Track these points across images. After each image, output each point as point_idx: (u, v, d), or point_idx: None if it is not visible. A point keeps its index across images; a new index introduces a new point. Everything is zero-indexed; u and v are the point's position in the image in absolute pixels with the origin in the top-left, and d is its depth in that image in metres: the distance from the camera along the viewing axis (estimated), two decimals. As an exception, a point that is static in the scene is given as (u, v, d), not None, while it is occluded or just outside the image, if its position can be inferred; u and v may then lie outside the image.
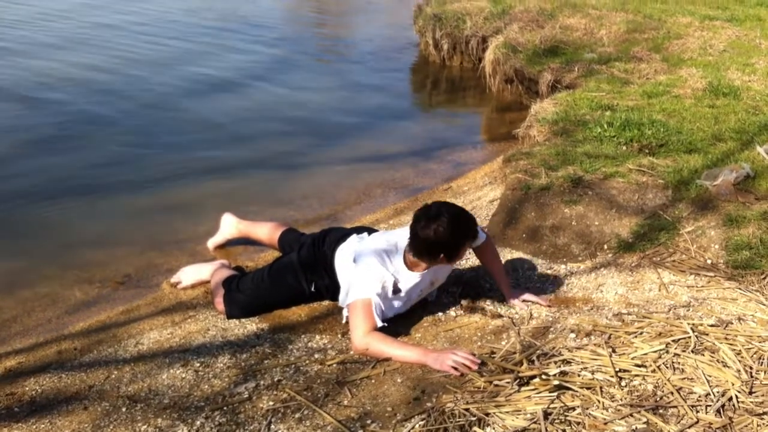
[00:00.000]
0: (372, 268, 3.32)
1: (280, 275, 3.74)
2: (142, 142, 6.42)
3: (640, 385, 2.75)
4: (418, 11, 10.71)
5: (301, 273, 3.68)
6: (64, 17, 11.60)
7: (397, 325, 3.46)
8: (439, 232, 3.16)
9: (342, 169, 6.03)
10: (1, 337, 3.71)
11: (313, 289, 3.67)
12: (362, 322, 3.25)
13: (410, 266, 3.37)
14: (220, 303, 3.74)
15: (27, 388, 3.15)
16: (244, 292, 3.72)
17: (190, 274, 4.13)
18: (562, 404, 2.64)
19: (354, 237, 3.67)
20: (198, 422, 2.81)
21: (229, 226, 4.50)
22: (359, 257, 3.41)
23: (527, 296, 3.62)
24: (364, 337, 3.22)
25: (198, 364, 3.24)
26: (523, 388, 2.75)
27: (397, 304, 3.43)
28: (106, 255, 4.51)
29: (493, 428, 2.55)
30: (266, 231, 4.29)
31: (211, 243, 4.53)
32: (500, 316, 3.49)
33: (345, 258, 3.56)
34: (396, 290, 3.36)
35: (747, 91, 6.44)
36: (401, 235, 3.41)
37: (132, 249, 4.60)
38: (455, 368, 2.97)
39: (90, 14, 11.85)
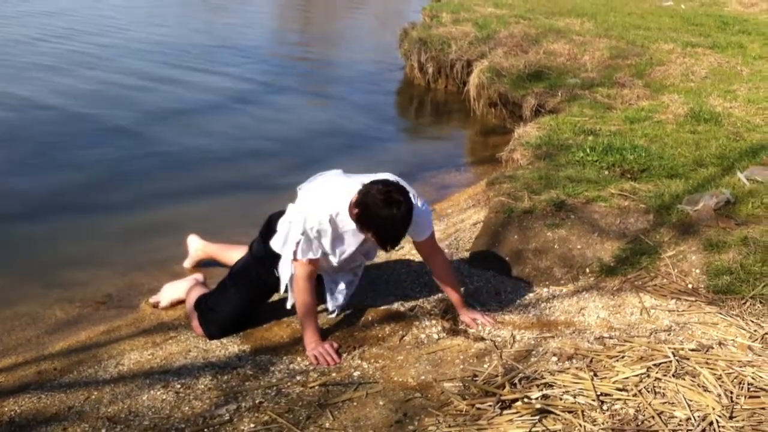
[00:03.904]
0: (312, 205, 3.35)
1: (243, 277, 3.75)
2: (124, 163, 6.41)
3: (621, 409, 2.75)
4: (403, 35, 10.82)
5: (259, 266, 3.68)
6: (55, 35, 11.63)
7: (381, 347, 3.46)
8: (380, 208, 3.17)
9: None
10: (-20, 357, 3.67)
11: (277, 274, 3.64)
12: (301, 261, 3.41)
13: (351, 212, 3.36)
14: (197, 327, 3.72)
15: (6, 409, 3.11)
16: (215, 309, 3.70)
17: (167, 294, 4.11)
18: (544, 428, 2.64)
19: (290, 205, 3.65)
20: (178, 444, 2.79)
21: (195, 249, 4.49)
22: (305, 195, 3.43)
23: (477, 315, 3.66)
24: (303, 281, 3.43)
25: (179, 386, 3.22)
26: (505, 412, 2.75)
27: (337, 248, 3.46)
28: (88, 275, 4.49)
29: (475, 452, 2.54)
30: (238, 256, 4.21)
31: (187, 265, 4.53)
32: (483, 339, 3.49)
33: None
34: (335, 232, 3.38)
35: (728, 117, 6.51)
36: (349, 185, 3.37)
37: (113, 269, 4.57)
38: (316, 359, 3.35)
39: (76, 34, 11.88)
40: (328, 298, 3.71)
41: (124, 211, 5.37)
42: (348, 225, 3.37)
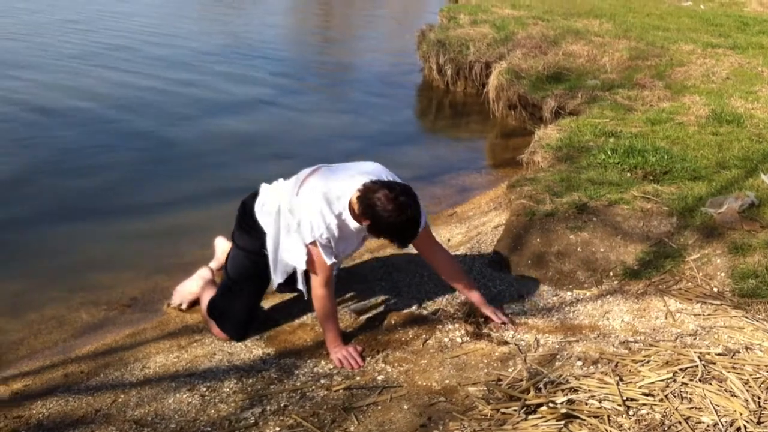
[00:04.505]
0: (317, 211, 3.33)
1: (239, 273, 3.75)
2: (150, 166, 6.46)
3: (647, 414, 2.74)
4: (421, 37, 10.81)
5: (249, 255, 3.69)
6: (74, 41, 11.72)
7: (404, 351, 3.47)
8: (393, 217, 3.18)
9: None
10: (8, 359, 3.71)
11: (265, 251, 3.66)
12: (315, 266, 3.39)
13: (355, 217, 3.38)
14: (219, 333, 3.74)
15: (34, 411, 3.14)
16: (228, 311, 3.72)
17: (183, 294, 4.14)
18: (570, 433, 2.64)
19: (264, 186, 3.71)
20: (205, 447, 2.80)
21: (222, 252, 4.49)
22: (303, 201, 3.40)
23: (501, 314, 3.69)
24: (323, 288, 3.42)
25: (204, 389, 3.24)
26: (530, 417, 2.75)
27: (341, 247, 3.48)
28: (113, 278, 4.52)
29: (502, 456, 2.54)
30: None
31: (213, 266, 4.55)
32: (506, 342, 3.49)
33: (266, 206, 3.61)
34: (341, 232, 3.39)
35: (750, 118, 6.48)
36: (345, 185, 3.36)
37: (139, 272, 4.60)
38: (341, 362, 3.38)
39: (98, 38, 11.97)
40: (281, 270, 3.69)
41: (149, 214, 5.40)
42: (351, 224, 3.37)
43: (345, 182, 3.35)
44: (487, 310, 3.68)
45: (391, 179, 3.39)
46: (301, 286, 3.63)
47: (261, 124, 7.92)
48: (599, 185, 4.87)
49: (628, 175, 5.15)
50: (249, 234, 3.67)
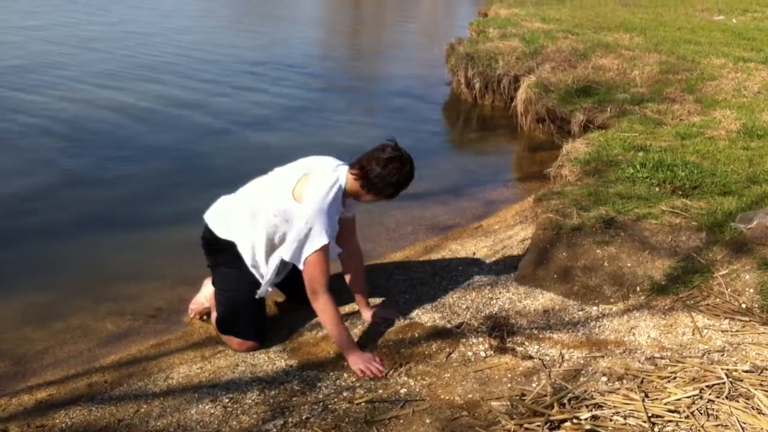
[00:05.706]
0: (322, 215, 3.46)
1: (228, 279, 3.78)
2: (175, 177, 6.50)
3: (673, 431, 2.70)
4: (450, 50, 10.82)
5: (228, 262, 3.75)
6: (103, 51, 11.86)
7: (427, 365, 3.45)
8: (405, 170, 3.59)
9: (372, 206, 6.02)
10: (32, 368, 3.73)
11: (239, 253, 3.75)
12: (322, 273, 3.49)
13: (354, 196, 3.66)
14: (240, 345, 3.74)
15: (57, 421, 3.16)
16: (238, 319, 3.74)
17: (197, 310, 4.16)
18: (594, 449, 2.60)
19: (208, 214, 3.90)
20: (226, 459, 2.80)
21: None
22: (308, 203, 3.48)
23: (381, 312, 3.96)
24: (326, 293, 3.49)
25: (227, 400, 3.24)
26: (553, 432, 2.72)
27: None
28: (138, 288, 4.55)
29: (523, 472, 2.52)
30: None
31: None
32: (531, 357, 3.46)
33: (235, 223, 3.75)
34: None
35: (782, 133, 6.39)
36: (333, 179, 3.61)
37: (164, 283, 4.62)
38: (363, 372, 3.38)
39: (127, 51, 12.10)
40: (270, 278, 3.73)
41: (174, 225, 5.42)
42: (339, 206, 3.59)
43: (332, 177, 3.61)
44: (368, 315, 3.92)
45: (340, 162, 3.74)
46: (265, 285, 3.72)
47: (287, 136, 7.94)
48: (627, 199, 4.82)
49: (657, 189, 5.10)
50: (221, 251, 3.77)
